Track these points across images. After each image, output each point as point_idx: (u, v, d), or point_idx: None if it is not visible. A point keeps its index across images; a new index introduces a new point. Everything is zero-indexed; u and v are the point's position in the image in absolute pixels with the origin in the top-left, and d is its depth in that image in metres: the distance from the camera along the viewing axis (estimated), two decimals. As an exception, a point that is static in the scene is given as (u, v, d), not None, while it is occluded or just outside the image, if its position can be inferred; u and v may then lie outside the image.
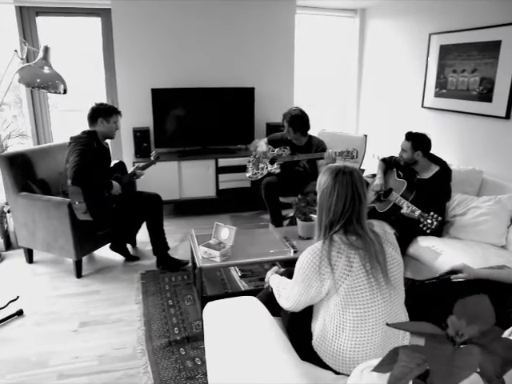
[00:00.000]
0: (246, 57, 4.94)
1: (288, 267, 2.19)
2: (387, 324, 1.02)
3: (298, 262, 1.67)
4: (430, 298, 2.11)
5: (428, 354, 0.61)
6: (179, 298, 3.07)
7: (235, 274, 3.27)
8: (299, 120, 3.75)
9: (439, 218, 2.82)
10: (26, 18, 4.52)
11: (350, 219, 1.63)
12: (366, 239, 1.60)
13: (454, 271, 2.07)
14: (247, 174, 4.03)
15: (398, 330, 1.66)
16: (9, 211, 3.77)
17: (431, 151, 3.22)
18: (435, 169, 3.19)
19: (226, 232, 2.71)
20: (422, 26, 4.37)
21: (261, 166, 3.94)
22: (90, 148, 3.17)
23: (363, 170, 4.45)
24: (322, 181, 1.71)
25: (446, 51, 4.04)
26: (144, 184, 3.96)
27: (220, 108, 4.80)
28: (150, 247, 3.56)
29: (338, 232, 1.63)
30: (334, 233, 1.64)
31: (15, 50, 3.15)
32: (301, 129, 3.77)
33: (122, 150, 4.79)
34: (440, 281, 2.17)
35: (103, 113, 3.27)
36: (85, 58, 4.92)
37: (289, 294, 1.73)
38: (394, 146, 3.59)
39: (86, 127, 3.33)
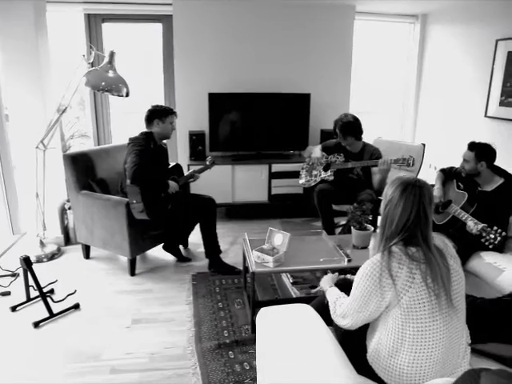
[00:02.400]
0: (303, 62, 4.92)
1: (344, 276, 2.15)
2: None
3: (356, 276, 1.63)
4: (493, 317, 2.00)
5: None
6: (229, 301, 3.08)
7: (287, 280, 3.24)
8: (350, 126, 3.67)
9: (503, 233, 2.67)
10: (93, 24, 4.74)
11: (413, 233, 1.57)
12: (429, 257, 1.54)
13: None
14: (300, 181, 4.00)
15: (459, 348, 1.58)
16: (69, 208, 3.93)
17: (495, 162, 3.06)
18: (499, 181, 3.02)
19: (279, 238, 2.69)
20: (488, 31, 4.19)
21: (314, 172, 3.90)
22: (147, 148, 3.26)
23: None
24: (390, 191, 1.64)
25: (514, 58, 3.85)
26: (198, 187, 4.02)
27: (275, 113, 4.81)
28: (201, 249, 3.60)
29: (397, 244, 1.58)
30: (392, 244, 1.59)
31: (83, 55, 3.30)
32: (352, 133, 3.69)
33: (178, 153, 4.90)
34: (504, 302, 2.06)
35: (159, 114, 3.36)
36: (145, 62, 5.08)
37: (346, 311, 1.68)
38: (453, 156, 3.45)
39: (143, 129, 3.42)
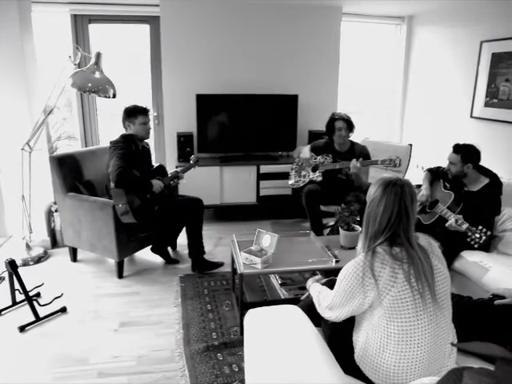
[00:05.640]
0: (291, 64, 4.94)
1: (330, 277, 2.15)
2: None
3: (340, 275, 1.65)
4: (479, 316, 2.02)
5: (500, 378, 0.56)
6: (218, 302, 3.07)
7: (275, 281, 3.24)
8: (350, 119, 3.79)
9: (488, 233, 2.70)
10: (80, 25, 4.71)
11: (396, 233, 1.59)
12: (412, 255, 1.55)
13: (497, 296, 2.00)
14: (289, 182, 4.01)
15: (445, 347, 1.59)
16: (56, 210, 3.89)
17: (480, 163, 3.09)
18: (484, 181, 3.05)
19: (267, 239, 2.69)
20: (473, 33, 4.24)
21: (303, 173, 3.91)
22: (128, 151, 3.21)
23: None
24: (372, 191, 1.67)
25: (498, 59, 3.90)
26: (186, 188, 4.01)
27: (263, 114, 4.81)
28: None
29: (382, 244, 1.60)
30: (377, 245, 1.60)
31: (69, 56, 3.27)
32: (351, 128, 3.79)
33: (166, 154, 4.88)
34: (484, 303, 2.08)
35: (127, 115, 3.27)
36: (132, 64, 5.05)
37: (331, 304, 1.70)
38: (440, 156, 3.47)
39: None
